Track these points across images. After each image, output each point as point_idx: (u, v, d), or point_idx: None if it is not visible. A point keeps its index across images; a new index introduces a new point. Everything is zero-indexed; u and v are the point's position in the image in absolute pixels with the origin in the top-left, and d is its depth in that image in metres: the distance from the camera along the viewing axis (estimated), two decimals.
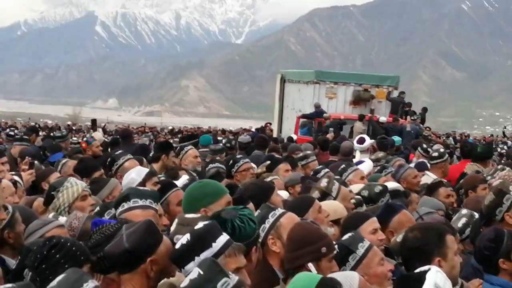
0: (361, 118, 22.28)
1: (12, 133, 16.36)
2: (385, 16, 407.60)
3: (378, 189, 6.93)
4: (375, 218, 5.42)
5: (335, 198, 6.32)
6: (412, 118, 24.82)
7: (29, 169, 7.62)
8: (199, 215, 4.25)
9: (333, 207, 5.77)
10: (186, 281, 3.00)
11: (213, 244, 3.48)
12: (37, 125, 28.01)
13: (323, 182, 6.62)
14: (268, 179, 7.42)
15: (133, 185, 6.07)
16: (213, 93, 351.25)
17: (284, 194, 6.81)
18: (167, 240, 3.66)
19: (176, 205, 5.74)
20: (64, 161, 8.50)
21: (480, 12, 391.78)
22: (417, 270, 3.55)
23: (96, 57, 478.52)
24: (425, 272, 3.45)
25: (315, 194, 6.47)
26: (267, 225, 4.64)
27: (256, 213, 4.72)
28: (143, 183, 6.20)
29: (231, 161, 8.68)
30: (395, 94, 26.28)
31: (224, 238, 3.57)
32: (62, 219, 4.86)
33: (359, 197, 6.90)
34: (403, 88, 28.82)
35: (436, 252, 4.23)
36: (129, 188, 5.04)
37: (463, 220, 5.84)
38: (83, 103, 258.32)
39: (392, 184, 7.59)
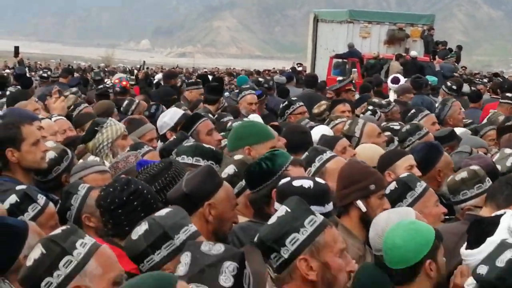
0: (397, 57, 21.94)
1: (45, 74, 16.39)
2: None
3: (404, 128, 6.76)
4: (411, 155, 5.36)
5: (359, 138, 6.25)
6: (447, 57, 24.44)
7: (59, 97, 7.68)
8: (241, 156, 4.32)
9: (370, 154, 5.68)
10: (273, 219, 3.07)
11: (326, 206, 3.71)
12: (70, 67, 28.08)
13: (346, 125, 6.53)
14: (336, 121, 7.33)
15: (165, 129, 6.17)
16: (245, 33, 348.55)
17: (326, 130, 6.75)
18: (227, 186, 3.70)
19: (205, 135, 5.78)
20: (137, 101, 8.88)
21: None
22: (492, 215, 3.52)
23: None
24: (500, 216, 3.42)
25: None
26: (313, 169, 4.68)
27: (303, 156, 4.75)
28: (175, 127, 6.24)
29: (286, 102, 8.69)
30: None
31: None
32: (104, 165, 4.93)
33: (389, 133, 6.80)
34: (438, 26, 28.44)
35: None
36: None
37: (511, 159, 5.62)
38: (115, 45, 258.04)
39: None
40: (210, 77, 17.02)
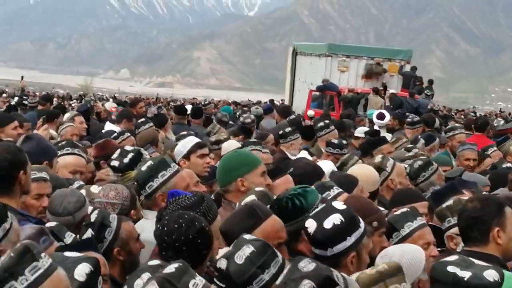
0: (376, 91, 22.04)
1: (25, 102, 16.35)
2: None
3: (417, 164, 6.73)
4: (426, 203, 5.31)
5: (389, 174, 6.23)
6: (426, 93, 24.65)
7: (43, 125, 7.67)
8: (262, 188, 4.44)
9: (366, 174, 5.70)
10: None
11: (360, 224, 3.63)
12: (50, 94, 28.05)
13: (378, 158, 6.53)
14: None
15: (178, 157, 6.19)
16: (224, 65, 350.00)
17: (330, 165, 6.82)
18: (268, 225, 3.68)
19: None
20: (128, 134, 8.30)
21: None
22: None
23: (108, 27, 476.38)
24: None
25: None
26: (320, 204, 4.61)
27: None
28: (187, 155, 6.25)
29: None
30: (407, 68, 26.11)
31: (362, 220, 3.72)
32: (95, 189, 4.91)
33: None
34: (416, 62, 28.68)
35: (495, 222, 4.04)
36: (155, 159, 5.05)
37: None
38: (95, 73, 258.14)
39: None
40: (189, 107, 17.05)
